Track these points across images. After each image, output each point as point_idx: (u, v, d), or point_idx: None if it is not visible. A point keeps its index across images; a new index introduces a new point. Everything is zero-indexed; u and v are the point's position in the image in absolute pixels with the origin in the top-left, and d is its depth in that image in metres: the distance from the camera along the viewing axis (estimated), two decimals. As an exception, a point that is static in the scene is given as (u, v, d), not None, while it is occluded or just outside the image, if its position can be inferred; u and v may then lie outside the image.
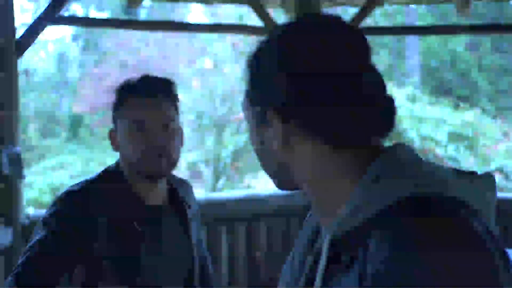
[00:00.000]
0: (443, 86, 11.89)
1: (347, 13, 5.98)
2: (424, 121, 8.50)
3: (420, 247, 0.68)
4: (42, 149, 10.79)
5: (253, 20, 4.27)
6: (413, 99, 9.20)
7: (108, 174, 1.61)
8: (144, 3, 4.08)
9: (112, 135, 1.62)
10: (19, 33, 3.08)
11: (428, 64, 12.55)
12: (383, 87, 0.83)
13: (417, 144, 7.92)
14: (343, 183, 0.81)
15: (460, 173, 0.79)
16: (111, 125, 1.64)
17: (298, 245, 0.95)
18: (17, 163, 2.91)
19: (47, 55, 13.56)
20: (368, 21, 5.65)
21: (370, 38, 0.84)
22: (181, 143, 1.64)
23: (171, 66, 9.89)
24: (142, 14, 12.77)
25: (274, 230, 3.80)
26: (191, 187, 1.83)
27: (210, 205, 3.60)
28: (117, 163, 1.62)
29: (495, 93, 11.99)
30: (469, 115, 9.13)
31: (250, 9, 3.79)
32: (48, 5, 3.18)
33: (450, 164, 7.74)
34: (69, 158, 10.24)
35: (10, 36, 3.01)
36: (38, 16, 3.18)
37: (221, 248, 3.63)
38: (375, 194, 0.76)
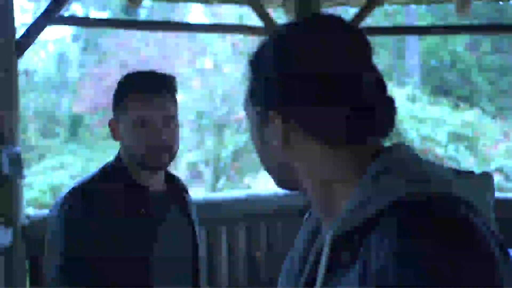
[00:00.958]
0: (443, 86, 11.89)
1: (347, 13, 5.98)
2: (424, 121, 8.51)
3: (422, 245, 0.68)
4: (42, 149, 10.79)
5: (253, 20, 4.27)
6: (413, 99, 9.22)
7: (110, 168, 1.64)
8: (144, 3, 4.08)
9: (112, 125, 1.63)
10: (19, 33, 3.08)
11: (428, 64, 12.56)
12: (384, 87, 0.83)
13: (417, 144, 7.92)
14: (343, 182, 0.81)
15: (459, 173, 0.80)
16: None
17: (298, 245, 0.95)
18: (17, 163, 2.91)
19: (47, 55, 13.56)
20: (368, 21, 5.65)
21: (370, 38, 0.84)
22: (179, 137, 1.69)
23: (171, 66, 9.89)
24: (142, 14, 12.76)
25: (274, 230, 3.80)
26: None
27: (210, 205, 3.60)
28: (116, 157, 1.65)
29: (495, 93, 11.99)
30: (469, 115, 9.14)
31: (250, 9, 3.79)
32: (48, 5, 3.18)
33: (450, 164, 7.73)
34: (69, 158, 10.25)
35: (10, 36, 3.01)
36: (38, 16, 3.18)
37: (221, 248, 3.63)
38: (376, 193, 0.76)
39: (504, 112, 10.92)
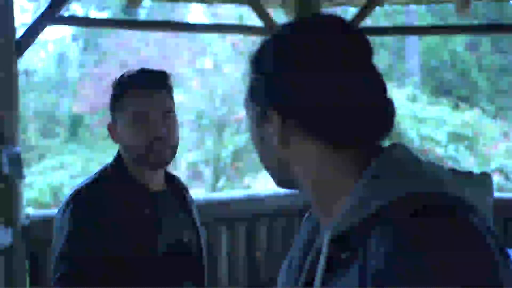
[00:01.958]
0: (443, 86, 11.88)
1: (347, 13, 5.99)
2: (424, 121, 8.51)
3: (421, 244, 0.68)
4: (42, 149, 10.78)
5: (253, 20, 4.27)
6: (413, 99, 9.22)
7: (110, 169, 1.65)
8: (144, 3, 4.08)
9: (111, 128, 1.66)
10: (19, 33, 3.08)
11: (428, 64, 12.54)
12: (383, 88, 0.83)
13: (417, 144, 7.93)
14: (342, 182, 0.81)
15: (458, 173, 0.80)
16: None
17: (297, 244, 0.95)
18: (17, 163, 2.91)
19: (47, 55, 13.54)
20: (368, 21, 5.66)
21: (370, 38, 0.84)
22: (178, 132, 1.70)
23: (171, 66, 9.88)
24: (142, 14, 12.75)
25: (274, 230, 3.80)
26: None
27: (210, 205, 3.60)
28: (115, 158, 1.66)
29: (495, 93, 11.98)
30: (469, 115, 9.14)
31: (250, 9, 3.79)
32: (48, 5, 3.18)
33: (450, 164, 7.74)
34: (69, 158, 10.24)
35: (10, 36, 3.01)
36: (38, 16, 3.18)
37: (221, 248, 3.63)
38: (374, 193, 0.76)
39: (504, 112, 10.91)
